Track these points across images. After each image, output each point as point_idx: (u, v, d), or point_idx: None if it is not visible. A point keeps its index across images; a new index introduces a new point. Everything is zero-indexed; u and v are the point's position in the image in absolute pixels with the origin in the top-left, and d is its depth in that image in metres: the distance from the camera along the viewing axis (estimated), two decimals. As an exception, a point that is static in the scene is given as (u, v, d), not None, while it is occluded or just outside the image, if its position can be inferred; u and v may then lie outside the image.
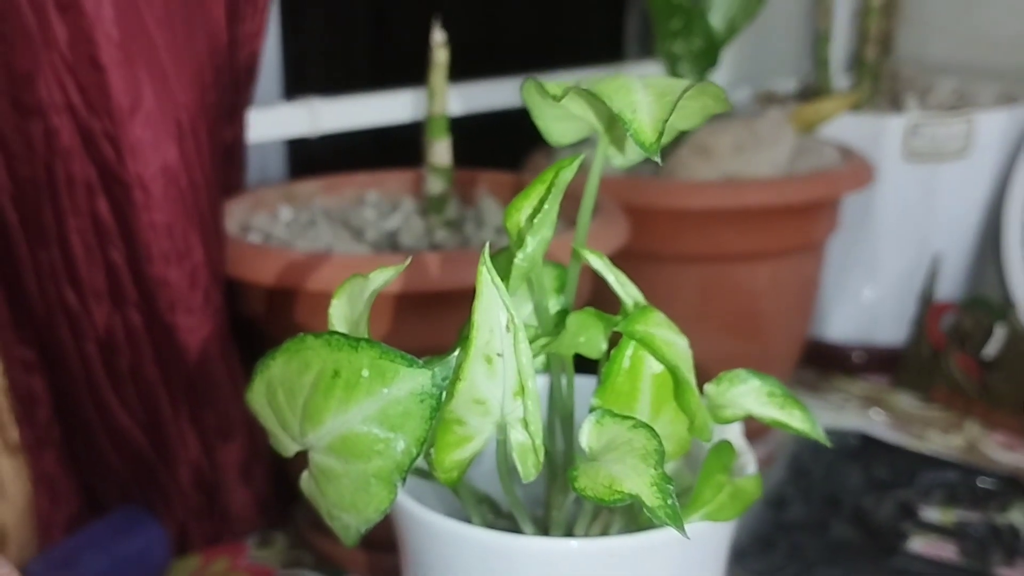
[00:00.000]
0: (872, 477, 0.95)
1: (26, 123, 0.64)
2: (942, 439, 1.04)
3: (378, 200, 0.92)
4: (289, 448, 0.44)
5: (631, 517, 0.51)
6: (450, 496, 0.54)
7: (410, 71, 1.02)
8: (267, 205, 0.88)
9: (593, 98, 0.43)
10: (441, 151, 0.81)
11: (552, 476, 0.50)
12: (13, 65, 0.62)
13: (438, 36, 0.78)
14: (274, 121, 0.91)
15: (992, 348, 1.08)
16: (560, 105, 0.45)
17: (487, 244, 0.42)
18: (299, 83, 1.03)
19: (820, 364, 1.17)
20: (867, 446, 1.00)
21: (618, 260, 0.64)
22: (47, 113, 0.63)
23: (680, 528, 0.39)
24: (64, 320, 0.71)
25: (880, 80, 1.20)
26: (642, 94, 0.42)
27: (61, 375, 0.75)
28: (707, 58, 1.04)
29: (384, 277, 0.46)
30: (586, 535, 0.51)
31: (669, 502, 0.39)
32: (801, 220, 0.98)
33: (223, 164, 0.78)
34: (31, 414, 0.76)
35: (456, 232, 0.84)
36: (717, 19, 1.06)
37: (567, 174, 0.44)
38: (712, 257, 0.97)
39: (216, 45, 0.67)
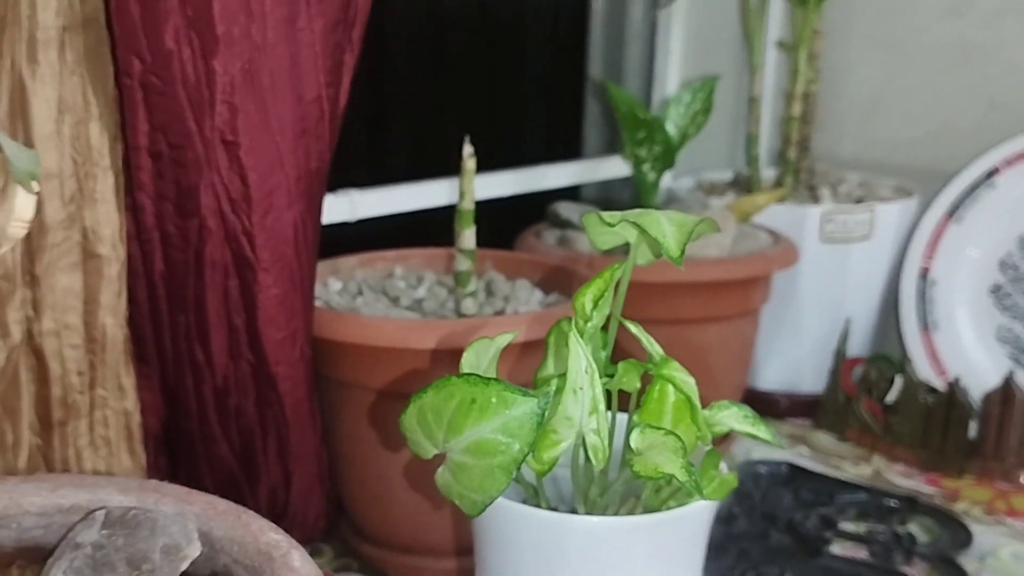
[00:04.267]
0: (800, 498, 1.10)
1: (185, 222, 0.81)
2: (854, 469, 1.20)
3: (404, 273, 1.10)
4: (429, 452, 0.64)
5: (647, 505, 0.71)
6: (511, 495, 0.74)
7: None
8: (319, 276, 1.04)
9: (636, 225, 0.65)
10: (468, 237, 0.97)
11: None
12: (181, 180, 0.79)
13: (468, 148, 0.94)
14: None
15: (893, 395, 1.24)
16: (610, 227, 0.66)
17: (572, 319, 0.63)
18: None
19: (754, 409, 1.33)
20: (795, 474, 1.15)
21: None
22: (204, 216, 0.80)
23: (701, 494, 0.60)
24: (190, 370, 0.87)
25: (800, 175, 1.37)
26: (668, 226, 0.63)
27: (178, 413, 0.90)
28: (665, 160, 1.24)
29: (508, 338, 0.67)
30: (616, 515, 0.71)
31: (694, 478, 0.60)
32: (742, 292, 1.15)
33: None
34: (144, 446, 0.93)
35: (474, 301, 1.01)
36: (672, 129, 1.27)
37: (619, 273, 0.65)
38: (671, 321, 1.12)
39: (322, 164, 0.85)
